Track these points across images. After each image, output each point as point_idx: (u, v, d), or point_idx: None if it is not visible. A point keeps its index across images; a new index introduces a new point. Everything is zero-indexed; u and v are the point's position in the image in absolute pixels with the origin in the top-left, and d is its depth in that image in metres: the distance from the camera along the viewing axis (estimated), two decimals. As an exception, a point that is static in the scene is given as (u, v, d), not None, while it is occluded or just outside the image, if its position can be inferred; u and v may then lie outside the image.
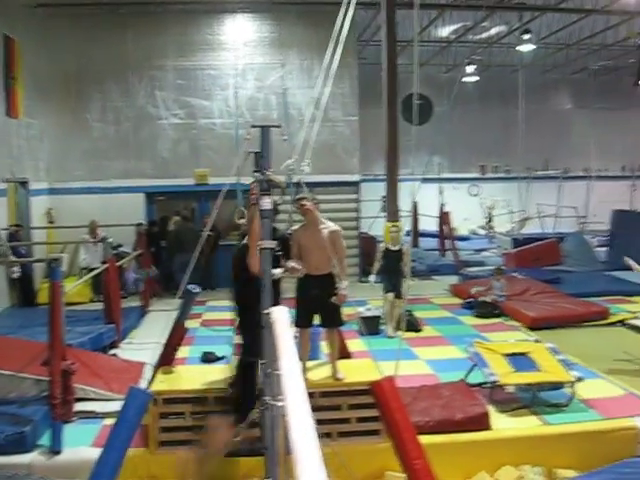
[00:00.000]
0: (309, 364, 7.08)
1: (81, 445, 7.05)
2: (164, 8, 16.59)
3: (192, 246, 15.78)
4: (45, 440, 7.02)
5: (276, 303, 5.87)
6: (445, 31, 23.25)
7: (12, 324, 11.63)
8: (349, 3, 6.78)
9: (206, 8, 16.94)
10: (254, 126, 5.19)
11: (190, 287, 6.66)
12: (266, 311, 4.20)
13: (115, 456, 5.19)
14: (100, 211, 15.82)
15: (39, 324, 10.06)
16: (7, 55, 14.28)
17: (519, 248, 18.61)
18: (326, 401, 6.54)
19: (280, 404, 3.08)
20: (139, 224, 15.11)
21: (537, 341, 9.15)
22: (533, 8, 19.90)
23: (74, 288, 11.37)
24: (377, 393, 5.63)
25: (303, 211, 6.75)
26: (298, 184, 5.75)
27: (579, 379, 7.93)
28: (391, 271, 11.78)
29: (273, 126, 5.34)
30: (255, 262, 5.47)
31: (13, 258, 8.81)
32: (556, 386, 8.07)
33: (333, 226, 6.81)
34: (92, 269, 13.63)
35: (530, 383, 7.94)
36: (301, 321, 6.80)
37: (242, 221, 6.65)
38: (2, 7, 14.04)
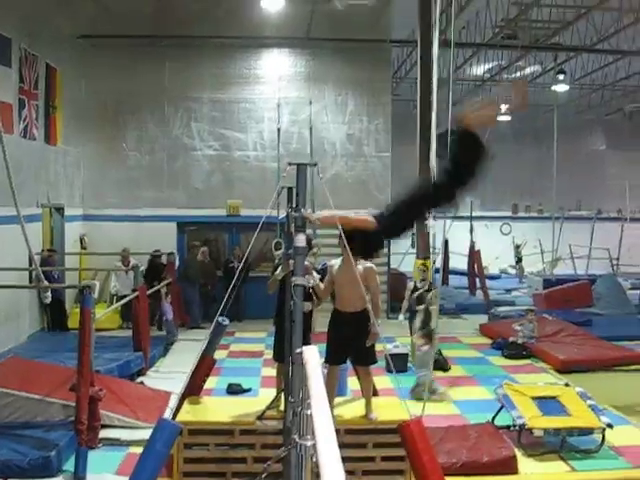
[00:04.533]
0: (336, 400, 7.02)
1: (105, 472, 7.08)
2: (202, 42, 16.87)
3: (197, 278, 15.98)
4: (69, 465, 7.06)
5: (306, 337, 5.90)
6: (480, 70, 23.38)
7: (42, 348, 11.78)
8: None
9: (243, 42, 17.20)
10: (290, 164, 5.23)
11: (219, 319, 6.68)
12: (297, 350, 4.19)
13: (141, 488, 5.18)
14: (132, 239, 16.03)
15: (68, 349, 10.22)
16: (48, 84, 14.62)
17: (550, 289, 18.40)
18: (351, 438, 6.46)
19: (309, 444, 3.07)
20: (170, 253, 15.28)
21: (566, 385, 9.02)
22: (568, 49, 19.91)
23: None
24: (405, 434, 5.56)
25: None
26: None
27: (609, 425, 7.78)
28: (419, 310, 11.71)
29: (309, 164, 5.38)
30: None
31: (46, 283, 8.88)
32: (585, 432, 7.93)
33: (367, 263, 6.75)
34: (122, 296, 13.77)
35: (559, 428, 7.81)
36: (332, 358, 6.70)
37: (278, 252, 6.72)
38: (46, 37, 14.41)
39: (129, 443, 7.89)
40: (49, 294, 12.64)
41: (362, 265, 6.61)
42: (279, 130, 17.45)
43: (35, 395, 8.08)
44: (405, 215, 5.21)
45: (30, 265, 10.76)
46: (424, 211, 5.56)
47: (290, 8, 15.77)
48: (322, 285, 6.59)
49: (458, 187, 4.89)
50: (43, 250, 13.88)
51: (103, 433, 7.80)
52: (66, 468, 7.08)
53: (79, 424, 6.96)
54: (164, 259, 15.55)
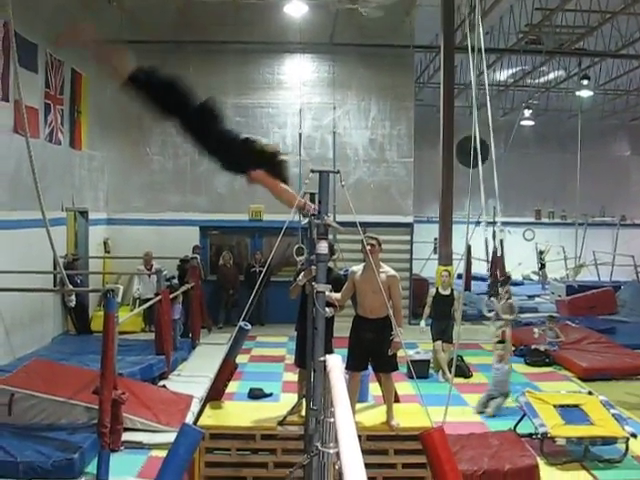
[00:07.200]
0: (357, 407, 7.01)
1: (127, 475, 7.12)
2: (225, 47, 16.94)
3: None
4: (92, 468, 7.12)
5: (328, 342, 5.91)
6: (503, 75, 23.28)
7: (65, 350, 11.89)
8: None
9: (266, 48, 17.24)
10: (313, 171, 5.24)
11: (242, 323, 6.70)
12: (320, 358, 4.19)
13: (163, 493, 5.20)
14: (155, 243, 16.09)
15: (91, 352, 10.30)
16: (74, 89, 14.76)
17: (573, 295, 18.25)
18: (372, 445, 6.46)
19: (332, 451, 3.08)
20: (193, 257, 15.32)
21: (590, 393, 8.94)
22: (592, 54, 19.75)
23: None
24: (427, 442, 5.54)
25: (367, 251, 6.44)
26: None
27: (633, 435, 7.70)
28: (441, 316, 11.68)
29: (332, 171, 5.38)
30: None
31: (70, 287, 8.96)
32: (609, 441, 7.85)
33: (391, 271, 6.70)
34: (145, 299, 13.84)
35: (582, 436, 7.75)
36: (353, 365, 6.69)
37: (300, 258, 6.72)
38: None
39: (151, 446, 7.94)
40: (73, 298, 12.82)
41: (385, 273, 6.59)
42: (300, 135, 17.51)
43: (59, 397, 8.15)
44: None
45: (55, 269, 10.85)
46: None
47: (313, 14, 15.81)
48: (335, 295, 6.52)
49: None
50: (67, 254, 13.99)
51: (125, 436, 7.86)
52: (89, 470, 7.15)
53: (102, 427, 7.01)
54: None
